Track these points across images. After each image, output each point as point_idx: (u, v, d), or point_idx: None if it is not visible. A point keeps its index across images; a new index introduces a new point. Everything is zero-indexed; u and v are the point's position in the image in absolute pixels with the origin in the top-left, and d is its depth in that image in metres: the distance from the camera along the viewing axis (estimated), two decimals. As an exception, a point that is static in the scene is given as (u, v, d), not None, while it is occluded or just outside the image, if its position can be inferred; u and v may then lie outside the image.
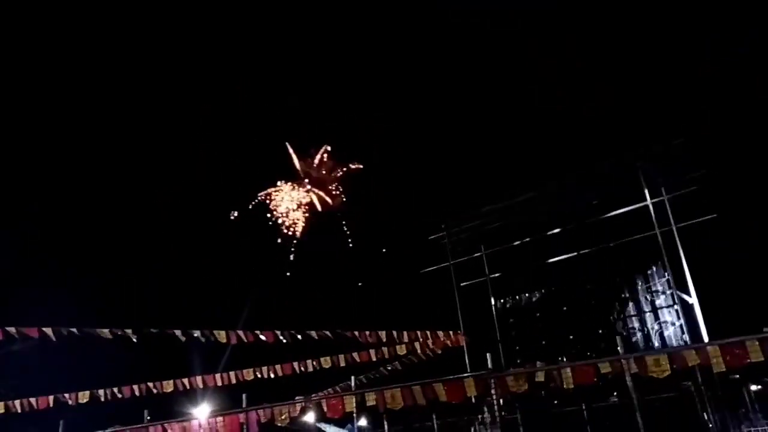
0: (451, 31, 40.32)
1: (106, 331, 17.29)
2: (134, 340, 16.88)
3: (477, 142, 38.22)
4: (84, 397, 19.32)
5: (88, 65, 39.92)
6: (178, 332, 18.02)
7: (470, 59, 40.35)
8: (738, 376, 17.59)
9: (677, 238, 20.09)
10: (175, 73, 42.35)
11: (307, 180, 46.58)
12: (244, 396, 15.89)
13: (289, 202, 46.20)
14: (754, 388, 20.47)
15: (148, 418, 17.11)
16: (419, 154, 39.39)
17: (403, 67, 42.26)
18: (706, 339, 17.53)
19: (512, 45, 37.67)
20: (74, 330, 16.85)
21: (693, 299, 19.28)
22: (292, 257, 45.36)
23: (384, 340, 21.12)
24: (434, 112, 41.18)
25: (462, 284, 24.75)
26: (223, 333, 18.89)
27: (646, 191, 20.91)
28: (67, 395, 19.15)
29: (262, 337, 19.59)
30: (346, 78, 43.73)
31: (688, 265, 19.72)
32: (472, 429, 20.68)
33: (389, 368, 22.75)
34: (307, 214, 46.22)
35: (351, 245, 44.24)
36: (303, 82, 45.36)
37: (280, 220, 45.94)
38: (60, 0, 37.34)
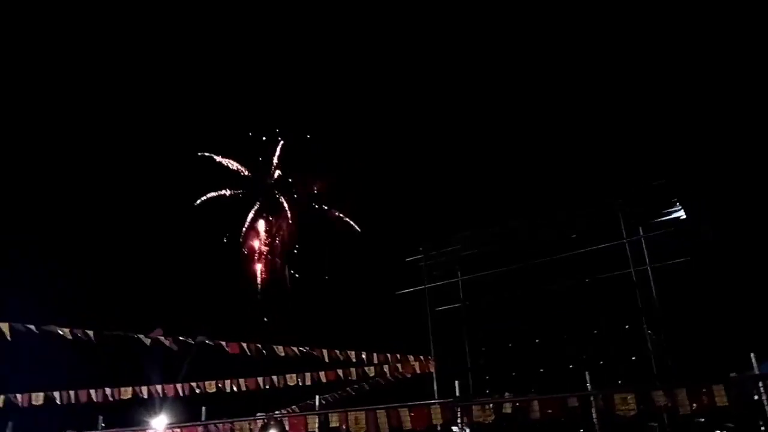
0: (430, 57, 40.83)
1: (66, 330, 16.67)
2: (93, 340, 16.28)
3: (462, 167, 38.40)
4: (37, 399, 18.57)
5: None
6: (141, 335, 17.47)
7: (455, 81, 40.75)
8: (703, 419, 17.60)
9: (651, 278, 20.28)
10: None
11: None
12: (203, 409, 15.42)
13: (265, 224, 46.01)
14: (718, 433, 20.49)
15: (103, 425, 16.51)
16: (401, 174, 39.40)
17: (383, 88, 42.41)
18: (673, 379, 17.55)
19: (496, 72, 38.19)
20: (32, 327, 16.21)
21: (662, 339, 19.39)
22: (263, 272, 44.81)
23: (353, 360, 20.75)
24: (417, 133, 41.35)
25: (437, 309, 24.62)
26: (188, 340, 18.39)
27: (623, 229, 21.13)
28: (19, 396, 18.40)
29: (227, 349, 19.11)
30: (323, 94, 43.78)
31: (660, 305, 19.87)
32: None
33: (356, 388, 22.35)
34: (281, 232, 45.92)
35: (327, 263, 43.82)
36: (281, 97, 45.33)
37: (256, 239, 45.59)
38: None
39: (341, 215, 44.78)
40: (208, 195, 44.65)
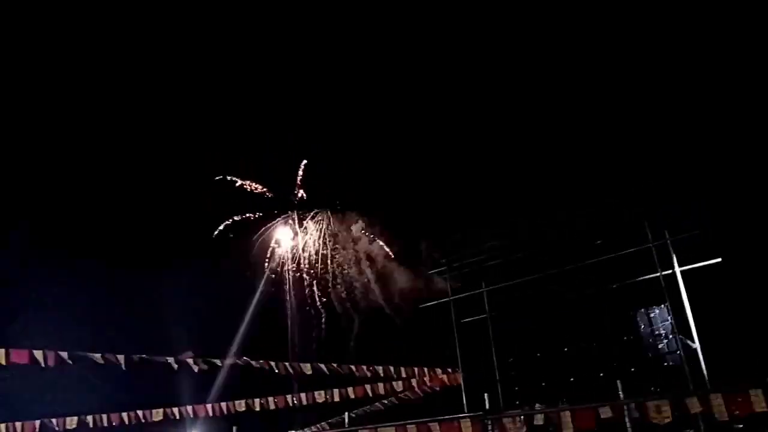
0: (439, 56, 40.77)
1: (97, 355, 17.02)
2: (123, 367, 16.58)
3: (481, 177, 38.28)
4: (72, 423, 18.92)
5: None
6: (170, 359, 17.74)
7: (470, 81, 40.63)
8: (741, 426, 17.15)
9: (680, 282, 19.86)
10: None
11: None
12: (234, 429, 15.53)
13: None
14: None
15: (136, 447, 16.74)
16: (420, 186, 39.40)
17: (404, 91, 42.41)
18: (708, 386, 17.15)
19: (508, 73, 38.03)
20: (64, 354, 16.59)
21: (696, 344, 18.94)
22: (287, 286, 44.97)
23: (381, 374, 20.78)
24: (437, 143, 41.29)
25: (462, 321, 24.40)
26: (216, 361, 18.63)
27: (649, 233, 20.79)
28: (54, 420, 18.76)
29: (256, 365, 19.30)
30: (342, 106, 43.94)
31: (691, 310, 19.44)
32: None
33: (385, 402, 22.31)
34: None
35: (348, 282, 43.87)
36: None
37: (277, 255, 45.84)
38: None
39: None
40: (232, 219, 45.06)
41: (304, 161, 46.84)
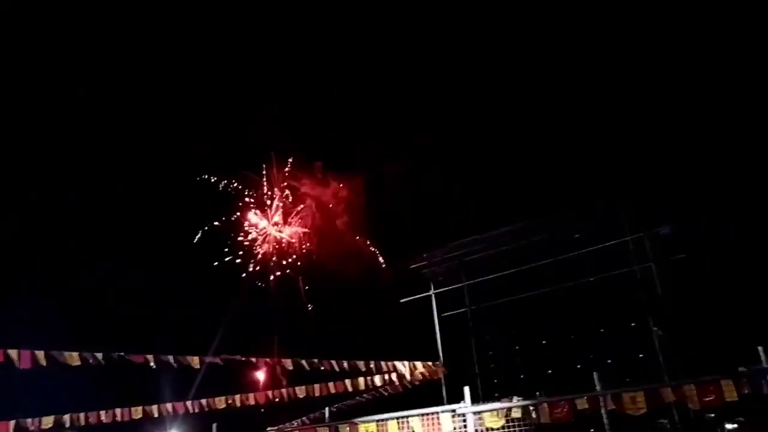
0: (434, 60, 40.97)
1: (74, 354, 16.72)
2: (102, 363, 16.32)
3: (461, 172, 38.52)
4: (48, 422, 18.57)
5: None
6: (150, 357, 17.51)
7: (457, 87, 40.94)
8: (713, 415, 17.60)
9: (655, 275, 20.29)
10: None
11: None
12: (214, 426, 15.42)
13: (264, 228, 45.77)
14: (729, 426, 20.46)
15: (114, 446, 16.52)
16: (402, 181, 39.46)
17: (385, 95, 42.60)
18: (681, 376, 17.54)
19: (497, 79, 38.36)
20: (40, 353, 16.26)
21: (669, 335, 19.38)
22: (267, 283, 44.70)
23: (362, 369, 20.77)
24: (419, 138, 41.41)
25: (443, 315, 24.61)
26: (196, 359, 18.41)
27: (626, 227, 21.15)
28: (29, 421, 18.41)
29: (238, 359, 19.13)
30: (328, 103, 43.91)
31: (665, 302, 19.87)
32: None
33: (366, 396, 22.34)
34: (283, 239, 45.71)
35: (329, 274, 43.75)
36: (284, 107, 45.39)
37: (254, 244, 45.39)
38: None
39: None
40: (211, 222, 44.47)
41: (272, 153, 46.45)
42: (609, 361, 21.81)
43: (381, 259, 36.44)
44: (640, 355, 20.95)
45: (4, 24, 35.05)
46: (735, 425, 20.78)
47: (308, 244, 45.38)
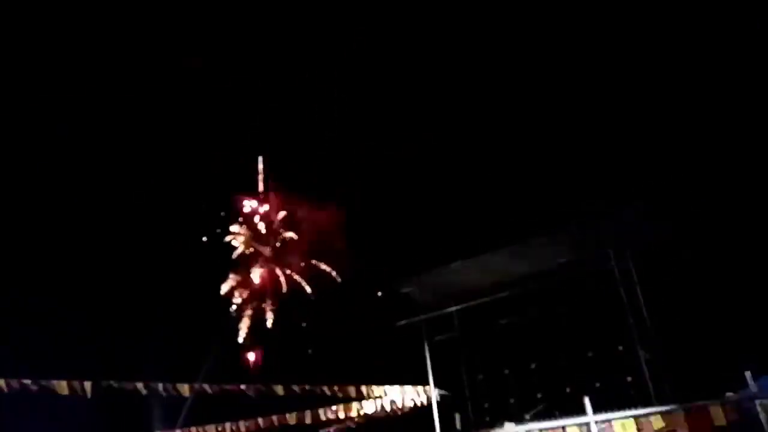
0: (421, 75, 41.37)
1: (63, 383, 16.59)
2: (88, 395, 16.20)
3: (447, 197, 38.81)
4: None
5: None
6: (139, 385, 17.43)
7: (443, 106, 41.30)
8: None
9: (641, 298, 20.55)
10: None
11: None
12: (205, 455, 15.35)
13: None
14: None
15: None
16: (393, 206, 39.70)
17: (372, 110, 42.75)
18: (671, 399, 17.74)
19: (484, 95, 38.80)
20: (28, 382, 16.13)
21: (657, 359, 19.59)
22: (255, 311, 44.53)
23: (353, 395, 20.81)
24: (407, 161, 41.66)
25: (435, 339, 24.62)
26: (185, 386, 18.36)
27: (611, 252, 21.44)
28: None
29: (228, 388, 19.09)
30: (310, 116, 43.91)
31: (652, 325, 20.12)
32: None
33: (357, 422, 22.33)
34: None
35: (317, 296, 43.74)
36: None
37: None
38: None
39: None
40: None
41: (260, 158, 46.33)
42: (597, 384, 21.94)
43: (370, 284, 36.53)
44: (628, 379, 21.13)
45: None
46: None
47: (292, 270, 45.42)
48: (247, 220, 46.50)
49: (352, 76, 42.14)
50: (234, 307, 44.06)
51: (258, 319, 44.17)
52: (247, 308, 44.36)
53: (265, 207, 46.76)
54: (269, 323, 43.62)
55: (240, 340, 42.54)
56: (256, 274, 44.93)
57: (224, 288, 43.64)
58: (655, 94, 32.21)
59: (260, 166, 47.05)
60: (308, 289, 44.01)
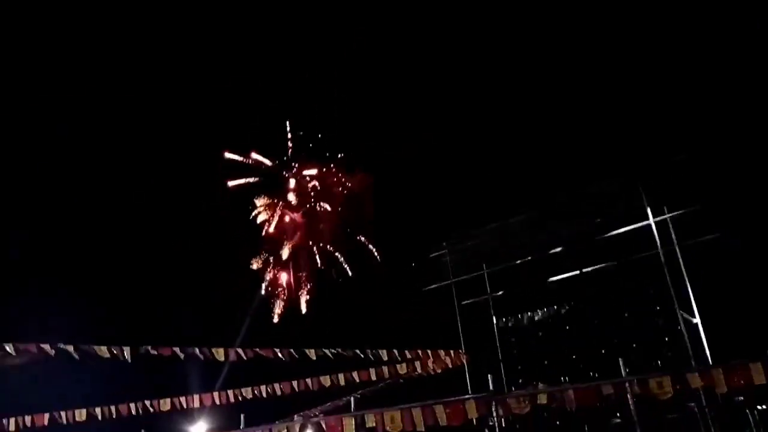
0: (449, 46, 40.58)
1: (104, 348, 17.08)
2: (128, 359, 16.64)
3: (479, 160, 38.25)
4: (80, 415, 19.08)
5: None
6: (176, 350, 17.81)
7: (469, 73, 40.51)
8: (742, 398, 17.37)
9: (680, 258, 19.96)
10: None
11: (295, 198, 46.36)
12: (242, 416, 15.69)
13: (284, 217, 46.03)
14: (760, 408, 20.18)
15: (146, 437, 16.92)
16: (420, 171, 39.36)
17: (403, 82, 42.36)
18: (710, 360, 17.35)
19: (510, 60, 37.87)
20: (71, 348, 16.66)
21: (696, 320, 19.10)
22: (291, 276, 45.05)
23: (384, 358, 20.89)
24: (436, 128, 41.21)
25: (463, 302, 24.55)
26: (221, 350, 18.68)
27: (649, 210, 20.81)
28: (63, 413, 18.92)
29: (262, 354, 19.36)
30: (344, 92, 43.70)
31: (691, 285, 19.57)
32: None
33: (389, 383, 22.49)
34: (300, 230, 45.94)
35: (350, 264, 43.94)
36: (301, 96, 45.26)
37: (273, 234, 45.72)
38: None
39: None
40: (237, 182, 44.59)
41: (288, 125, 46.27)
42: (634, 345, 21.63)
43: (400, 250, 36.52)
44: (666, 339, 20.75)
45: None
46: (765, 407, 20.51)
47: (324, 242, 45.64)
48: (278, 188, 46.82)
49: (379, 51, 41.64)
50: (270, 276, 44.74)
51: (293, 289, 44.84)
52: (280, 277, 45.03)
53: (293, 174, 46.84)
54: (304, 293, 44.23)
55: (276, 310, 43.30)
56: (290, 242, 45.39)
57: (258, 261, 44.33)
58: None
59: (288, 130, 46.93)
60: (341, 258, 44.27)
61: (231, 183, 44.70)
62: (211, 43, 43.33)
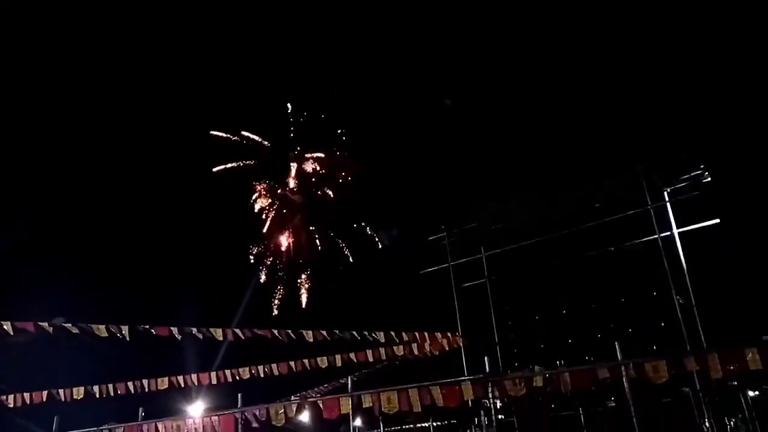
0: (451, 35, 40.31)
1: (102, 327, 17.13)
2: (126, 338, 16.70)
3: (478, 143, 38.14)
4: (78, 393, 19.21)
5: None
6: (174, 329, 17.87)
7: (472, 59, 40.26)
8: (736, 383, 17.48)
9: (678, 243, 19.95)
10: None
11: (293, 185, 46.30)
12: (239, 395, 15.77)
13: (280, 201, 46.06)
14: (751, 394, 20.35)
15: (143, 415, 17.01)
16: (420, 154, 39.24)
17: (404, 67, 42.13)
18: (704, 345, 17.43)
19: (513, 48, 37.62)
20: (69, 325, 16.71)
21: (693, 304, 19.16)
22: (288, 257, 45.14)
23: (382, 340, 20.99)
24: (436, 112, 41.06)
25: (462, 286, 24.60)
26: (219, 330, 18.76)
27: (647, 195, 20.76)
28: (61, 391, 19.05)
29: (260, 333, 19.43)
30: (347, 80, 43.57)
31: (688, 271, 19.59)
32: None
33: (386, 365, 22.64)
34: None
35: (349, 247, 44.01)
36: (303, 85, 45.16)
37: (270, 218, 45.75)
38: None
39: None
40: (225, 166, 44.57)
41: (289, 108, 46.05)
42: (630, 330, 21.76)
43: (398, 232, 36.55)
44: (662, 324, 20.85)
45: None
46: (757, 393, 20.69)
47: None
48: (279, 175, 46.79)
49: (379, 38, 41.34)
50: (269, 261, 44.85)
51: (291, 272, 44.98)
52: (280, 259, 45.14)
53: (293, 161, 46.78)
54: (304, 280, 44.36)
55: (277, 296, 43.49)
56: (290, 228, 45.45)
57: (257, 246, 44.40)
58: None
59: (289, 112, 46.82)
60: (340, 243, 44.35)
61: (216, 168, 44.64)
62: (212, 36, 43.05)
